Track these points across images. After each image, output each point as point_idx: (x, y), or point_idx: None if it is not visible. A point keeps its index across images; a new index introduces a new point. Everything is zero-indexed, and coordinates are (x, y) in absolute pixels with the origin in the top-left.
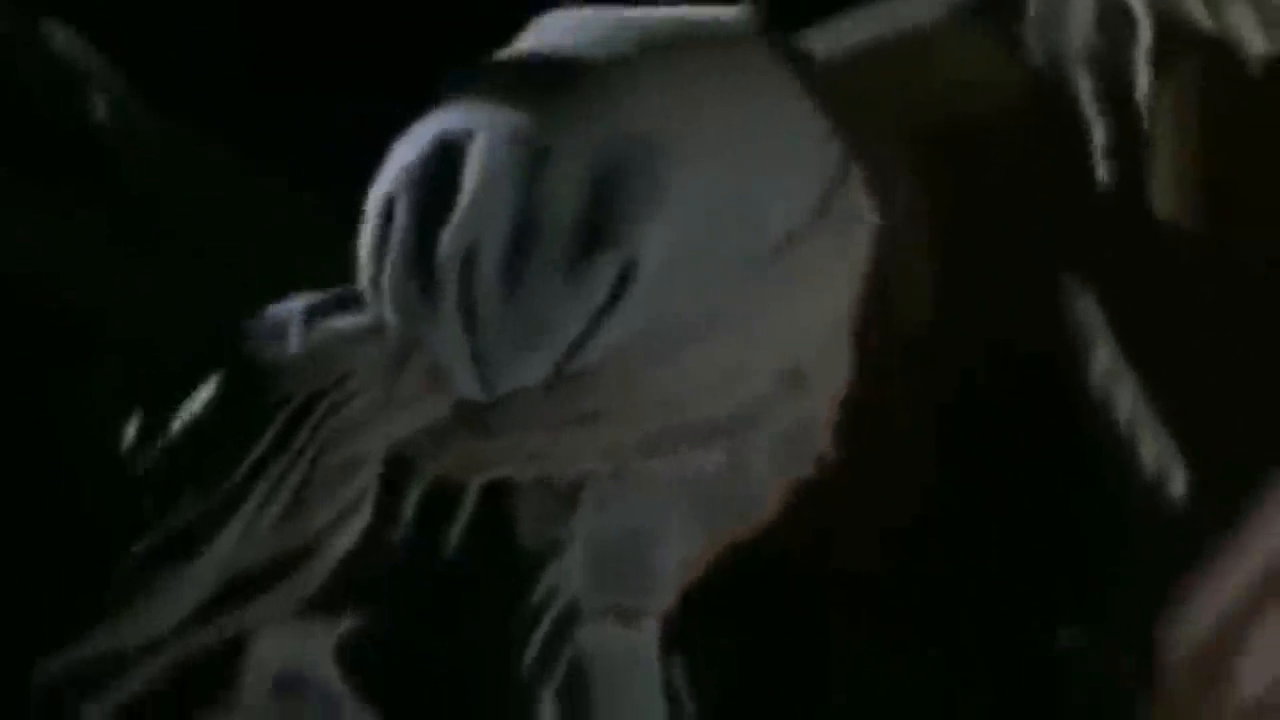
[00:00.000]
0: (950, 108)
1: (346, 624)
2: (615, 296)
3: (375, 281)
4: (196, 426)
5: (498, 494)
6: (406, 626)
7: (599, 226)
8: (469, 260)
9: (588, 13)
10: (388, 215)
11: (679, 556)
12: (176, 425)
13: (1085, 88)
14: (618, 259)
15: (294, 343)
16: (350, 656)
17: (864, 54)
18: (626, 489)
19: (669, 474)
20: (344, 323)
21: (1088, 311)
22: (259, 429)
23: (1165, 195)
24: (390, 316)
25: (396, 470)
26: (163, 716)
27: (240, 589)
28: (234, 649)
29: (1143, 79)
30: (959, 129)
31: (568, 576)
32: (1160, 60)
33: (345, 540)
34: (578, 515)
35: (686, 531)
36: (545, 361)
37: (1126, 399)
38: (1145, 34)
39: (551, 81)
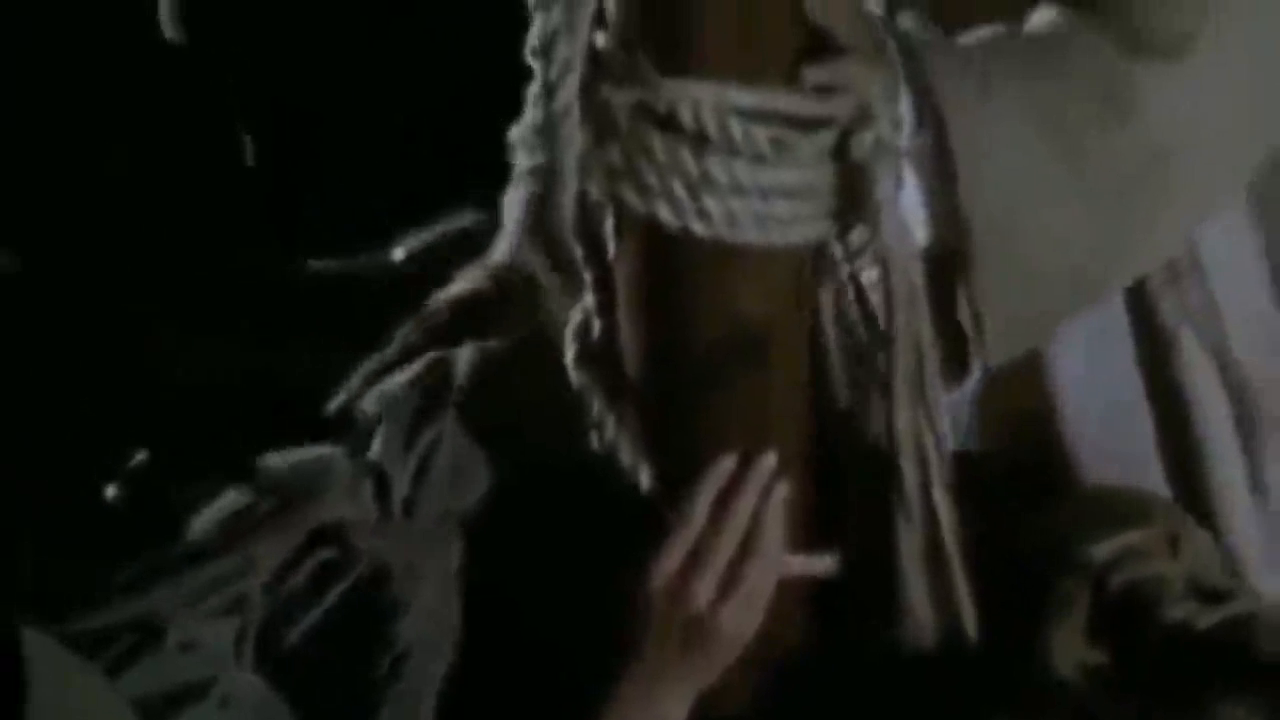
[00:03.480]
0: None
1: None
2: None
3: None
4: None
5: (381, 573)
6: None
7: None
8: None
9: None
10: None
11: None
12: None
13: (579, 255)
14: None
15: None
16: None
17: None
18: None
19: None
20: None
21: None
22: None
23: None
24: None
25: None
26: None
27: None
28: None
29: (611, 245)
30: None
31: (408, 629)
32: (618, 232)
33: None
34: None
35: None
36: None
37: (610, 427)
38: (609, 219)
39: None
